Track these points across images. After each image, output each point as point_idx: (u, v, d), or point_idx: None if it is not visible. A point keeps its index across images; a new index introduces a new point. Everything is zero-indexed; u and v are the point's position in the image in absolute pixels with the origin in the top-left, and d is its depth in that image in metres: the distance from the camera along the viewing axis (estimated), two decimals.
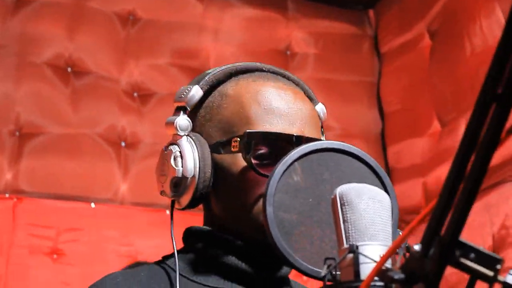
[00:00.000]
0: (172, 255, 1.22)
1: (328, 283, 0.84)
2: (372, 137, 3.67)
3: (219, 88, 1.24)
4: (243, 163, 1.16)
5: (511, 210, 2.68)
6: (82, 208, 3.11)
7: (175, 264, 1.17)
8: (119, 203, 3.19)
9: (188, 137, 1.19)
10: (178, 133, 1.19)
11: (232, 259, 1.19)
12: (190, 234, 1.26)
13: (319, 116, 1.31)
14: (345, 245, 0.84)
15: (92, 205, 3.14)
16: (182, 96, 1.22)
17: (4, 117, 3.14)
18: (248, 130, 1.16)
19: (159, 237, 3.10)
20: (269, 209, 0.97)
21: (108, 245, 3.10)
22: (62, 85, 3.27)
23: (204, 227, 1.26)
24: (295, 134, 1.17)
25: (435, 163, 3.19)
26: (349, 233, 0.85)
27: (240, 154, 1.16)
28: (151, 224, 3.17)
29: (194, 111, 1.25)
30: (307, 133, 1.19)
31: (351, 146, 1.08)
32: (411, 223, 0.78)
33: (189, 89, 1.22)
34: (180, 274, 1.17)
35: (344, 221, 0.86)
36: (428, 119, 3.31)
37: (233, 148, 1.17)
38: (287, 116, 1.19)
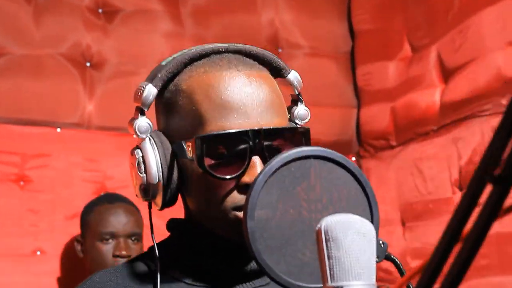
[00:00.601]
0: (157, 246, 1.20)
1: None
2: (341, 57, 3.64)
3: (174, 81, 1.19)
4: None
5: (479, 145, 2.73)
6: (48, 133, 3.08)
7: (156, 265, 1.16)
8: (85, 128, 3.16)
9: (150, 138, 1.15)
10: (139, 136, 1.15)
11: (209, 257, 1.20)
12: (172, 227, 1.25)
13: (293, 85, 1.25)
14: (330, 283, 0.83)
15: (58, 130, 3.11)
16: (138, 96, 1.16)
17: None
18: (197, 136, 1.12)
19: (126, 162, 3.11)
20: (250, 224, 0.97)
21: (75, 170, 3.10)
22: (24, 2, 3.16)
23: (183, 223, 1.25)
24: (250, 129, 1.12)
25: (404, 89, 3.21)
26: (333, 271, 0.84)
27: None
28: (119, 148, 3.13)
29: (157, 108, 1.21)
30: (266, 123, 1.14)
31: (333, 152, 1.05)
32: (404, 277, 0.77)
33: (142, 88, 1.16)
34: (162, 271, 1.16)
35: (328, 258, 0.85)
36: (399, 42, 3.30)
37: (189, 153, 1.13)
38: (241, 108, 1.13)
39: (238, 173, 1.11)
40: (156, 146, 1.14)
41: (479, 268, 2.54)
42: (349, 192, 1.03)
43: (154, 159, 1.13)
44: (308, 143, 1.21)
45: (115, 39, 3.28)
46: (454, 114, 2.88)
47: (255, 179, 0.96)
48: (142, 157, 1.14)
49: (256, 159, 1.12)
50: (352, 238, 0.85)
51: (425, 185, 3.04)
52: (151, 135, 1.15)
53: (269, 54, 1.23)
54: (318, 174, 1.02)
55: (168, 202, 1.17)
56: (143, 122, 1.15)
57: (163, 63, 1.19)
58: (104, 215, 2.72)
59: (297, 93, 1.27)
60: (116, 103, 3.19)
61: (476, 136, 2.75)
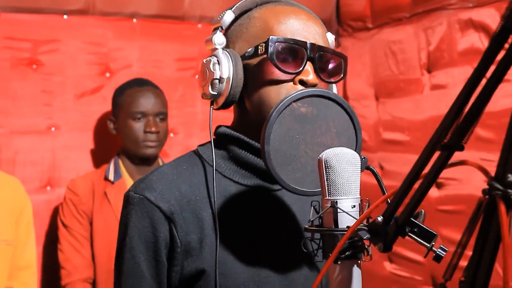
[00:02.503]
0: (207, 145, 1.54)
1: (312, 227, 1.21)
2: None
3: (248, 13, 1.52)
4: (267, 63, 1.44)
5: (446, 35, 3.00)
6: (56, 20, 3.29)
7: (213, 161, 1.47)
8: (90, 14, 3.35)
9: (223, 50, 1.48)
10: (215, 46, 1.48)
11: (253, 159, 1.50)
12: (220, 133, 1.55)
13: (328, 43, 1.57)
14: (327, 197, 1.20)
15: (65, 16, 3.32)
16: (218, 19, 1.50)
17: None
18: (271, 36, 1.44)
19: (127, 45, 3.39)
20: (266, 147, 1.31)
21: (82, 54, 3.34)
22: None
23: (232, 131, 1.53)
24: (308, 41, 1.45)
25: None
26: (330, 189, 1.20)
27: (265, 56, 1.44)
28: (120, 32, 3.41)
29: (228, 33, 1.52)
30: (316, 42, 1.47)
31: (330, 91, 1.37)
32: (375, 202, 1.13)
33: (223, 13, 1.50)
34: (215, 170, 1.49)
35: (327, 180, 1.21)
36: None
37: (260, 51, 1.45)
38: (303, 31, 1.47)
39: (297, 71, 1.44)
40: (228, 53, 1.47)
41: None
42: (341, 122, 1.36)
43: (227, 61, 1.46)
44: (345, 66, 1.52)
45: None
46: (425, 5, 3.11)
47: (270, 113, 1.30)
48: (217, 59, 1.46)
49: (309, 66, 1.45)
50: (344, 166, 1.20)
51: (397, 66, 3.32)
52: (223, 48, 1.48)
53: (316, 15, 1.57)
54: (317, 108, 1.35)
55: (228, 99, 1.47)
56: (219, 36, 1.49)
57: (240, 1, 1.53)
58: (135, 96, 3.05)
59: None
60: None
61: (444, 26, 3.01)
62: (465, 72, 2.88)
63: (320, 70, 1.46)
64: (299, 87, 1.44)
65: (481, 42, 2.82)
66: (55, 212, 3.18)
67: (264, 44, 1.44)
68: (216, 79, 1.46)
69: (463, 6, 2.90)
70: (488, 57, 0.95)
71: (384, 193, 1.45)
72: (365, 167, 1.43)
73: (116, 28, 3.41)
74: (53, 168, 3.27)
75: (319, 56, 1.46)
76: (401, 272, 3.19)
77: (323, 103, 1.36)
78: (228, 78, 1.45)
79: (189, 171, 1.51)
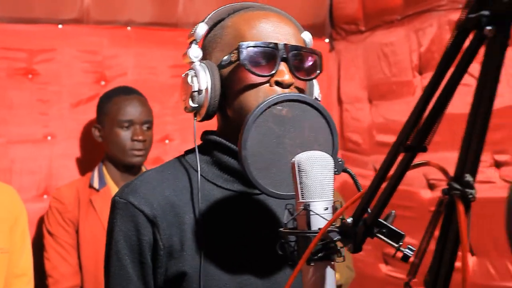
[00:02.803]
0: (193, 151, 1.56)
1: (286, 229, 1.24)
2: None
3: (221, 23, 1.55)
4: (242, 69, 1.47)
5: (437, 36, 3.02)
6: (51, 30, 3.33)
7: (197, 166, 1.50)
8: (84, 23, 3.39)
9: (200, 62, 1.51)
10: (192, 60, 1.51)
11: (235, 163, 1.52)
12: (205, 139, 1.59)
13: (305, 42, 1.59)
14: (300, 200, 1.22)
15: (60, 26, 3.36)
16: (192, 32, 1.53)
17: None
18: (241, 43, 1.46)
19: (122, 53, 3.42)
20: (244, 152, 1.33)
21: (77, 63, 3.38)
22: None
23: (216, 136, 1.56)
24: (280, 42, 1.47)
25: None
26: (303, 192, 1.22)
27: (239, 63, 1.47)
28: (115, 40, 3.44)
29: (205, 44, 1.56)
30: (288, 43, 1.49)
31: (304, 96, 1.38)
32: (345, 204, 1.15)
33: (196, 26, 1.53)
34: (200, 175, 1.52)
35: (300, 183, 1.23)
36: None
37: (232, 58, 1.48)
38: (274, 33, 1.49)
39: (271, 72, 1.46)
40: (205, 65, 1.50)
41: (433, 143, 2.92)
42: (317, 125, 1.37)
43: (204, 73, 1.48)
44: (321, 62, 1.54)
45: None
46: (416, 7, 3.13)
47: (247, 119, 1.32)
48: (194, 72, 1.49)
49: (283, 66, 1.47)
50: (317, 169, 1.22)
51: (389, 68, 3.33)
52: (200, 60, 1.51)
53: (289, 15, 1.59)
54: (294, 113, 1.36)
55: (210, 110, 1.50)
56: (195, 49, 1.52)
57: (212, 12, 1.56)
58: (122, 105, 3.07)
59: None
60: None
61: (434, 27, 3.03)
62: None
63: (295, 69, 1.48)
64: (276, 88, 1.46)
65: None
66: None
67: (236, 51, 1.47)
68: (195, 91, 1.49)
69: (453, 7, 2.92)
70: (447, 59, 0.97)
71: (356, 184, 1.48)
72: (342, 169, 1.45)
73: (110, 36, 3.44)
74: (49, 176, 3.30)
75: (293, 55, 1.48)
76: (397, 274, 3.21)
77: (299, 107, 1.37)
78: (206, 89, 1.48)
79: (174, 176, 1.55)
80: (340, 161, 1.44)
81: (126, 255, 1.49)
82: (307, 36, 1.62)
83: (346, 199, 3.60)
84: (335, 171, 1.42)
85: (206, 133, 1.60)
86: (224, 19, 1.56)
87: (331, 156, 1.39)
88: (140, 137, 3.04)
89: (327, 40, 3.84)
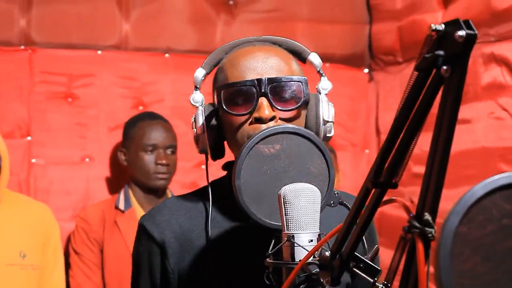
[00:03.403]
0: (218, 181, 1.62)
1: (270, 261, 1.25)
2: None
3: (218, 65, 1.58)
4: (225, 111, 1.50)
5: (470, 69, 2.90)
6: (91, 55, 3.43)
7: (209, 204, 1.54)
8: (123, 49, 3.49)
9: (201, 107, 1.54)
10: (194, 105, 1.55)
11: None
12: (225, 168, 1.64)
13: (314, 64, 1.60)
14: (285, 231, 1.23)
15: (99, 52, 3.45)
16: (194, 77, 1.57)
17: None
18: (217, 86, 1.51)
19: (160, 79, 3.49)
20: (237, 182, 1.35)
21: (115, 88, 3.47)
22: None
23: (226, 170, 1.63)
24: (256, 78, 1.47)
25: (409, 10, 3.45)
26: (288, 223, 1.24)
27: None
28: (153, 67, 3.52)
29: (212, 88, 1.58)
30: (268, 76, 1.49)
31: (300, 128, 1.39)
32: (330, 232, 1.15)
33: (196, 72, 1.58)
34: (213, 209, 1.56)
35: (285, 214, 1.25)
36: None
37: (218, 103, 1.52)
38: (255, 69, 1.50)
39: (249, 110, 1.47)
40: (204, 109, 1.54)
41: (466, 177, 2.89)
42: (313, 158, 1.38)
43: (201, 118, 1.52)
44: (306, 89, 1.52)
45: None
46: None
47: (241, 151, 1.35)
48: (195, 118, 1.54)
49: (263, 100, 1.47)
50: (302, 201, 1.24)
51: None
52: (202, 105, 1.55)
53: (291, 41, 1.60)
54: (288, 145, 1.38)
55: (215, 152, 1.55)
56: (196, 95, 1.56)
57: (209, 55, 1.59)
58: (147, 129, 3.16)
59: (318, 70, 1.60)
60: (150, 25, 3.53)
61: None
62: (488, 106, 2.87)
63: (276, 101, 1.48)
64: (258, 125, 1.47)
65: (503, 77, 2.81)
66: None
67: (216, 95, 1.51)
68: (195, 136, 1.54)
69: (486, 40, 2.90)
70: (410, 100, 0.99)
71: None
72: (338, 202, 1.46)
73: (149, 62, 3.52)
74: (86, 197, 3.38)
75: (272, 89, 1.47)
76: None
77: (294, 138, 1.39)
78: (202, 133, 1.53)
79: (192, 204, 1.60)
80: (336, 193, 1.45)
81: (141, 276, 1.58)
82: (315, 58, 1.60)
83: (384, 230, 3.57)
84: (331, 204, 1.43)
85: (225, 165, 1.64)
86: (221, 60, 1.58)
87: (327, 188, 1.41)
88: (164, 161, 3.11)
89: (366, 71, 3.84)
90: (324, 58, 3.65)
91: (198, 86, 1.57)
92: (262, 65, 1.50)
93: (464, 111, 3.04)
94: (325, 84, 1.59)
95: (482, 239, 0.71)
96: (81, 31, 3.44)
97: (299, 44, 1.61)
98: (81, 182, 3.39)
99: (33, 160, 3.32)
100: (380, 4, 3.72)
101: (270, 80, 1.47)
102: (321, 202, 1.36)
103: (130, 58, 3.50)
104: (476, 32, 0.88)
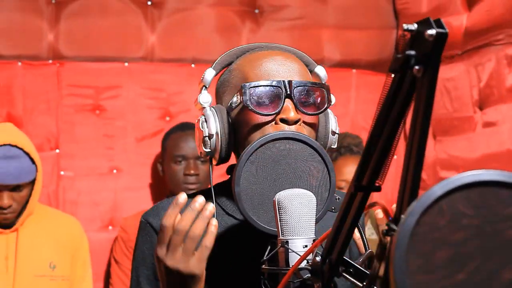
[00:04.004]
0: (223, 184, 1.61)
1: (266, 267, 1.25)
2: None
3: (229, 67, 1.58)
4: (247, 109, 1.48)
5: (495, 71, 2.96)
6: (117, 67, 3.48)
7: (213, 202, 1.49)
8: (149, 60, 3.52)
9: (210, 107, 1.52)
10: (202, 105, 1.53)
11: None
12: (229, 172, 1.61)
13: (319, 77, 1.61)
14: (280, 237, 1.23)
15: (126, 64, 3.50)
16: (202, 78, 1.56)
17: None
18: (244, 84, 1.48)
19: (186, 90, 3.51)
20: (237, 188, 1.35)
21: (142, 99, 3.50)
22: None
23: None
24: (283, 80, 1.47)
25: (435, 13, 3.40)
26: (283, 229, 1.24)
27: (243, 104, 1.47)
28: (179, 77, 3.54)
29: (218, 88, 1.59)
30: (291, 79, 1.49)
31: (300, 134, 1.38)
32: (320, 237, 1.15)
33: (205, 72, 1.56)
34: (217, 205, 1.54)
35: (280, 220, 1.24)
36: None
37: (238, 100, 1.50)
38: (278, 71, 1.50)
39: (276, 111, 1.46)
40: (215, 110, 1.51)
41: None
42: (313, 162, 1.37)
43: (213, 117, 1.50)
44: (329, 95, 1.52)
45: None
46: (474, 41, 3.09)
47: (240, 157, 1.35)
48: (205, 118, 1.51)
49: (288, 103, 1.47)
50: (296, 207, 1.23)
51: (451, 103, 3.29)
52: (210, 106, 1.53)
53: (300, 52, 1.61)
54: (288, 150, 1.37)
55: (223, 153, 1.51)
56: (204, 95, 1.54)
57: (220, 56, 1.59)
58: (177, 141, 3.22)
59: (323, 83, 1.59)
60: (176, 36, 3.56)
61: (493, 62, 2.98)
62: None
63: (301, 104, 1.47)
64: (282, 125, 1.46)
65: None
66: None
67: (240, 93, 1.48)
68: (206, 136, 1.50)
69: (509, 42, 2.86)
70: (387, 102, 0.98)
71: (363, 238, 1.47)
72: (339, 208, 1.44)
73: (175, 73, 3.55)
74: (114, 208, 3.41)
75: (297, 92, 1.47)
76: None
77: (296, 145, 1.38)
78: (217, 133, 1.50)
79: None
80: (337, 199, 1.44)
81: (142, 272, 1.55)
82: (321, 71, 1.62)
83: None
84: (332, 209, 1.42)
85: (229, 168, 1.63)
86: (232, 63, 1.58)
87: (328, 193, 1.40)
88: (192, 171, 3.14)
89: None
90: (351, 64, 3.70)
91: (207, 86, 1.56)
92: (285, 68, 1.51)
93: (489, 114, 3.00)
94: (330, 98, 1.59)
95: (439, 239, 0.70)
96: (108, 44, 3.49)
97: (306, 55, 1.62)
98: (109, 193, 3.43)
99: (62, 173, 3.37)
100: (406, 9, 3.69)
101: (297, 83, 1.48)
102: (322, 207, 1.37)
103: (156, 69, 3.53)
104: (447, 30, 0.86)
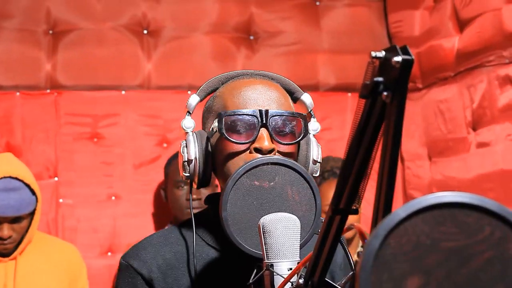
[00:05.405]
0: (201, 213, 1.64)
1: None
2: (373, 5, 3.90)
3: (214, 93, 1.60)
4: (223, 137, 1.50)
5: (487, 92, 2.99)
6: (115, 96, 3.52)
7: (193, 233, 1.53)
8: (146, 88, 3.57)
9: (193, 133, 1.55)
10: (185, 130, 1.56)
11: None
12: (207, 201, 1.64)
13: (305, 105, 1.62)
14: (265, 260, 1.25)
15: (123, 92, 3.54)
16: (187, 104, 1.58)
17: (38, 18, 3.48)
18: (220, 112, 1.51)
19: (183, 116, 3.52)
20: (224, 213, 1.37)
21: (140, 126, 3.54)
22: None
23: (209, 203, 1.64)
24: (259, 109, 1.49)
25: (427, 36, 3.45)
26: (267, 252, 1.26)
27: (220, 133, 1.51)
28: (175, 104, 3.57)
29: (203, 115, 1.61)
30: (269, 108, 1.51)
31: (286, 159, 1.41)
32: (302, 260, 1.17)
33: (190, 98, 1.58)
34: (197, 237, 1.57)
35: (265, 244, 1.27)
36: None
37: (215, 129, 1.52)
38: (256, 100, 1.52)
39: (250, 140, 1.49)
40: (196, 136, 1.54)
41: None
42: (299, 188, 1.39)
43: (193, 143, 1.52)
44: (305, 125, 1.54)
45: (167, 5, 3.65)
46: (466, 63, 3.12)
47: (227, 182, 1.37)
48: (186, 143, 1.54)
49: (263, 132, 1.49)
50: (280, 230, 1.26)
51: (445, 125, 3.31)
52: (193, 131, 1.56)
53: (286, 80, 1.63)
54: (274, 175, 1.40)
55: (202, 179, 1.54)
56: (187, 121, 1.57)
57: (205, 82, 1.61)
58: (178, 166, 3.20)
59: (309, 110, 1.63)
60: (172, 64, 3.61)
61: (484, 83, 3.00)
62: (506, 128, 2.86)
63: (276, 134, 1.49)
64: (256, 155, 1.47)
65: None
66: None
67: (216, 121, 1.51)
68: (185, 161, 1.53)
69: (501, 62, 2.89)
70: (359, 127, 1.00)
71: (347, 254, 1.49)
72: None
73: (172, 100, 3.58)
74: (113, 235, 3.43)
75: (273, 121, 1.49)
76: None
77: (281, 170, 1.40)
78: (195, 158, 1.52)
79: (176, 239, 1.60)
80: (323, 221, 1.46)
81: None
82: (307, 98, 1.63)
83: None
84: (318, 233, 1.44)
85: (208, 198, 1.65)
86: (217, 89, 1.60)
87: (314, 217, 1.43)
88: (194, 196, 3.15)
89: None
90: (346, 88, 3.73)
91: (191, 112, 1.58)
92: (264, 97, 1.53)
93: (483, 134, 3.02)
94: (314, 126, 1.60)
95: (404, 262, 0.72)
96: (105, 73, 3.53)
97: (293, 83, 1.63)
98: (108, 220, 3.45)
99: (61, 200, 3.40)
100: (400, 32, 3.74)
101: (273, 113, 1.49)
102: (309, 230, 1.39)
103: (153, 96, 3.57)
104: (413, 57, 0.89)
